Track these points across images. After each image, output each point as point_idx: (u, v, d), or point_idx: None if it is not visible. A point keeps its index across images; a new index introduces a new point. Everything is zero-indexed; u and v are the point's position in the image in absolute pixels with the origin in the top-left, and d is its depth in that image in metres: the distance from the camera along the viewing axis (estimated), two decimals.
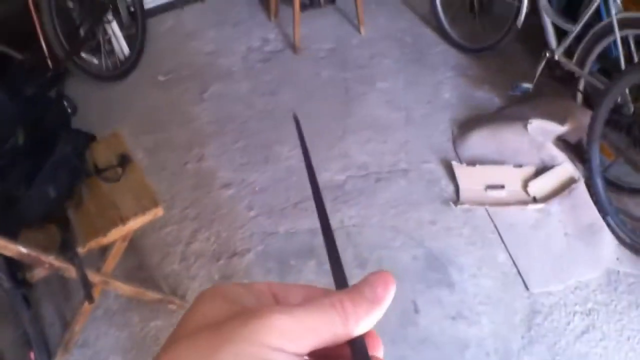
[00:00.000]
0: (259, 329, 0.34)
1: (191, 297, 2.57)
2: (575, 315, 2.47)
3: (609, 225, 2.71)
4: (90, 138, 2.59)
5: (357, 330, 0.37)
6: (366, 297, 0.38)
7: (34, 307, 2.55)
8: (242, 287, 0.41)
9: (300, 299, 0.41)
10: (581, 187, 2.82)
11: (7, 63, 3.24)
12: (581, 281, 2.59)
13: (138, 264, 2.74)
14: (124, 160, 2.41)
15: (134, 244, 2.60)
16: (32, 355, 2.19)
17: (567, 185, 2.85)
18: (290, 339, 0.35)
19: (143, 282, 2.54)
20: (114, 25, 3.97)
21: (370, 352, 0.39)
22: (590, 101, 3.08)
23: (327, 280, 0.41)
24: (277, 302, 0.41)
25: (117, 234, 2.17)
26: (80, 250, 2.07)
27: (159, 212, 2.24)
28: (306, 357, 0.36)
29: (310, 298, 0.38)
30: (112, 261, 2.26)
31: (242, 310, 0.37)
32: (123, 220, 2.17)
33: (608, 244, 2.69)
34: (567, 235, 2.73)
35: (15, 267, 2.02)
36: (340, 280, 0.40)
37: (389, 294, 0.38)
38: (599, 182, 2.76)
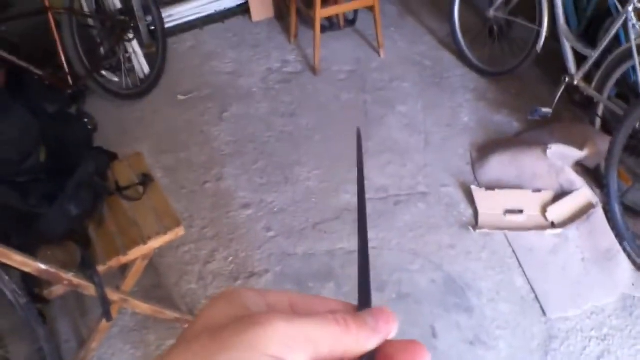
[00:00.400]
0: (258, 335, 0.34)
1: None
2: (591, 341, 2.46)
3: (625, 250, 2.70)
4: (112, 156, 2.60)
5: (356, 350, 0.37)
6: (369, 324, 0.38)
7: (50, 323, 2.57)
8: (255, 292, 0.40)
9: (325, 311, 0.40)
10: (599, 213, 2.81)
11: (27, 79, 3.27)
12: (597, 306, 2.58)
13: (156, 283, 2.75)
14: (146, 179, 2.42)
15: (151, 262, 2.60)
16: None
17: (585, 211, 2.84)
18: (289, 348, 0.34)
19: (160, 301, 2.55)
20: (135, 44, 4.01)
21: None
22: (609, 126, 3.08)
23: None
24: (295, 312, 0.40)
25: (137, 252, 2.18)
26: (101, 268, 2.07)
27: (180, 231, 2.25)
28: None
29: (336, 312, 0.38)
30: (131, 280, 2.27)
31: (246, 316, 0.36)
32: (144, 239, 2.18)
33: (624, 269, 2.68)
34: (584, 260, 2.72)
35: (31, 283, 2.03)
36: (364, 301, 0.41)
37: (390, 329, 0.39)
38: (617, 208, 2.75)
